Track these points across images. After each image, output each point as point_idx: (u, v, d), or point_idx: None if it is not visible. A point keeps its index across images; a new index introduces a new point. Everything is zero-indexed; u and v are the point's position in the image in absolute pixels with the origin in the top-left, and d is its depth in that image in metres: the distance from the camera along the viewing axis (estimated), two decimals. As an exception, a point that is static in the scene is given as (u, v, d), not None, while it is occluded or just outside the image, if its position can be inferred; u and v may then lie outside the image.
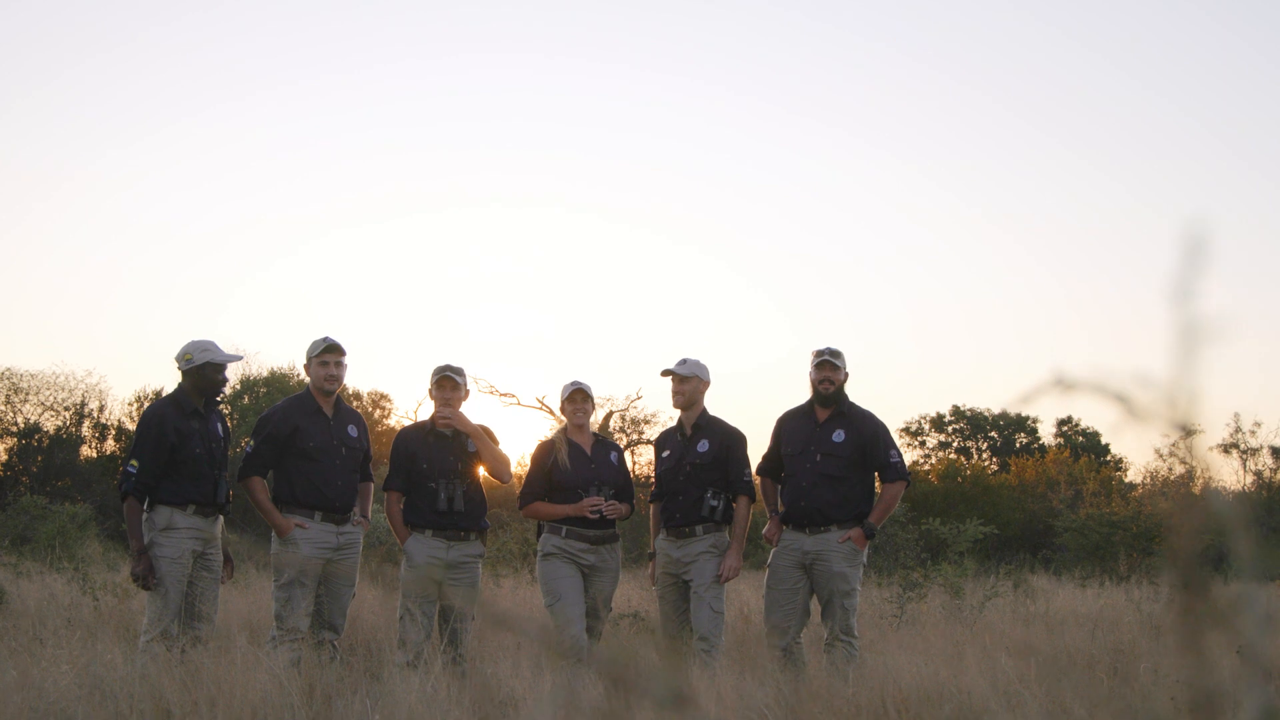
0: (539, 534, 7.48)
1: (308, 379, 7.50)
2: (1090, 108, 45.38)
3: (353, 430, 7.46)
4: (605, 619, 7.44)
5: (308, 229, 45.05)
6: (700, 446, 7.56)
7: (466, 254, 45.84)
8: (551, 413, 24.83)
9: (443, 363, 7.53)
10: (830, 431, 7.51)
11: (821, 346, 7.68)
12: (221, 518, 7.22)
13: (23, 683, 4.88)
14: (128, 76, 41.22)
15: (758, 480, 7.81)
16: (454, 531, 7.28)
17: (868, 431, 7.51)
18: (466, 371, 7.54)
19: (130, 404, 28.35)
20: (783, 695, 5.23)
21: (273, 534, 7.14)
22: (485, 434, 7.52)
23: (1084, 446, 36.59)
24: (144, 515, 6.92)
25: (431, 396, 7.54)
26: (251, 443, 7.30)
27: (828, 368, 7.55)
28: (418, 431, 7.57)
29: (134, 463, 6.97)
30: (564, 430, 7.58)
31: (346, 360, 7.44)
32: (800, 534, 7.41)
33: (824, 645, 7.33)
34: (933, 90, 45.27)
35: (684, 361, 7.65)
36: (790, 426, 7.70)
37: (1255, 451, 28.39)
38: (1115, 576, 16.58)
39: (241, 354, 7.50)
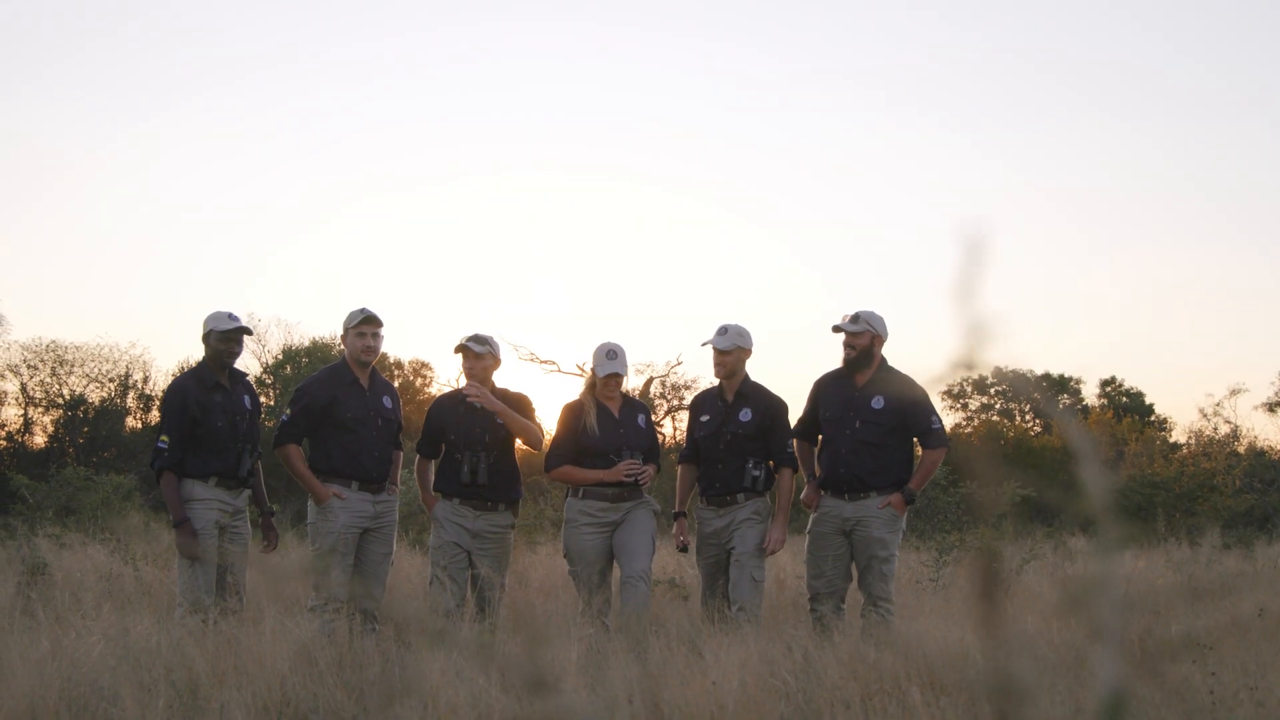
0: (567, 497, 7.46)
1: (345, 345, 7.45)
2: (1126, 69, 44.81)
3: (387, 401, 7.44)
4: (652, 554, 7.27)
5: (348, 196, 45.21)
6: (743, 415, 7.40)
7: (507, 221, 45.90)
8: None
9: (470, 333, 7.46)
10: (869, 397, 7.34)
11: (850, 313, 7.50)
12: (248, 491, 7.32)
13: (55, 652, 4.95)
14: (161, 48, 41.40)
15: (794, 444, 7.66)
16: (480, 501, 7.29)
17: (908, 397, 7.32)
18: (505, 338, 7.60)
19: (173, 375, 28.61)
20: (810, 661, 5.22)
21: (310, 503, 7.16)
22: (523, 403, 7.48)
23: (1128, 407, 36.30)
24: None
25: (462, 366, 7.48)
26: (288, 412, 7.28)
27: (846, 335, 7.41)
28: (449, 401, 7.55)
29: (164, 438, 7.04)
30: (592, 392, 7.43)
31: (384, 331, 7.41)
32: (840, 500, 7.28)
33: (860, 610, 7.25)
34: (967, 50, 44.79)
35: (725, 331, 7.46)
36: (828, 391, 7.50)
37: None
38: (1154, 537, 16.45)
39: (250, 325, 7.67)
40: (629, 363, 7.51)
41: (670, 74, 44.40)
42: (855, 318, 7.39)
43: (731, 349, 7.42)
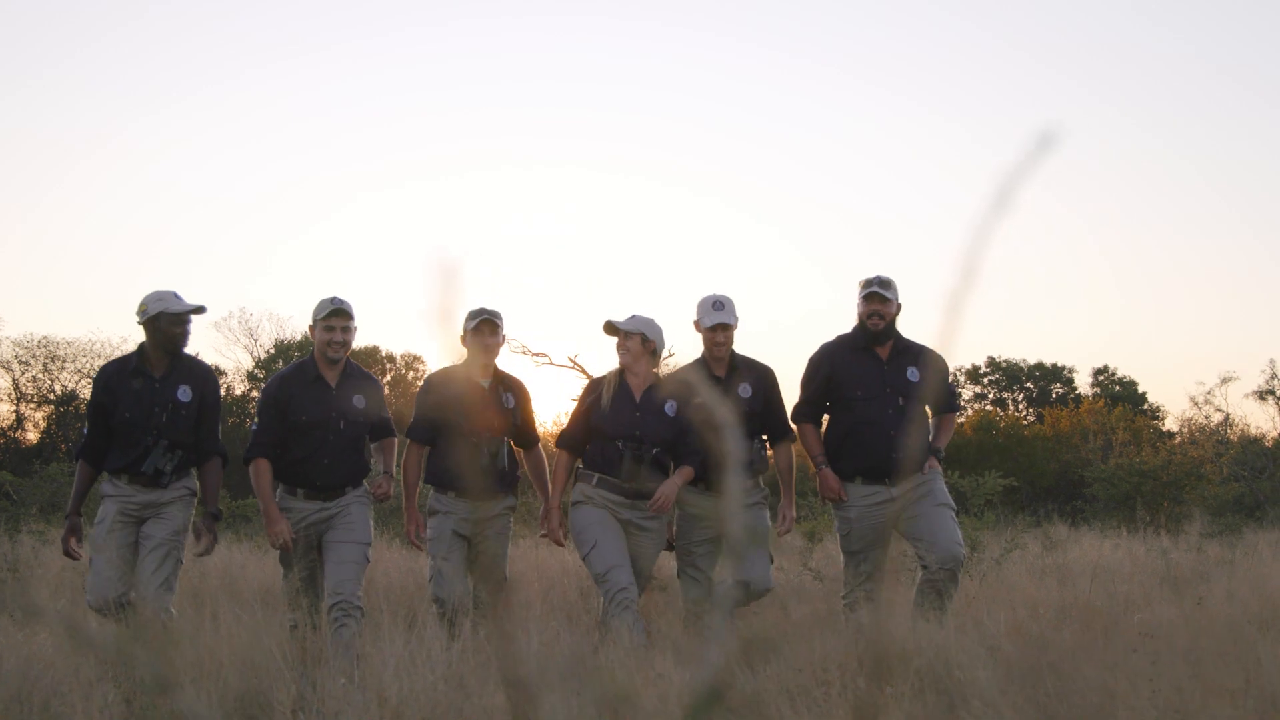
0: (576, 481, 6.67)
1: (313, 338, 6.72)
2: (1121, 58, 44.80)
3: (359, 400, 6.62)
4: (644, 589, 6.59)
5: (345, 191, 45.30)
6: (743, 391, 6.79)
7: (502, 213, 45.93)
8: (584, 371, 24.79)
9: (477, 306, 6.76)
10: (903, 369, 6.78)
11: (870, 275, 6.86)
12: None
13: (10, 648, 4.97)
14: (162, 44, 41.38)
15: (794, 428, 7.07)
16: (485, 493, 6.60)
17: (939, 365, 6.72)
18: (510, 334, 6.89)
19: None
20: (775, 653, 5.22)
21: None
22: (524, 395, 6.90)
23: (1119, 396, 36.30)
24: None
25: (464, 344, 6.77)
26: (257, 420, 6.64)
27: (876, 300, 6.75)
28: (444, 379, 6.91)
29: (87, 426, 6.65)
30: (620, 369, 6.69)
31: (355, 324, 6.63)
32: (879, 486, 6.71)
33: (921, 585, 6.57)
34: (962, 38, 44.79)
35: (722, 306, 6.78)
36: (851, 366, 6.82)
37: (1293, 398, 28.09)
38: (1135, 526, 16.44)
39: (204, 305, 6.71)
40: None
41: (657, 65, 44.42)
42: (886, 283, 6.80)
43: (734, 322, 6.82)
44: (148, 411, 6.46)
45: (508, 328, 6.77)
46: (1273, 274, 45.85)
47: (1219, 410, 27.75)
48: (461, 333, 6.77)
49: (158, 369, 6.59)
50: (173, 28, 42.42)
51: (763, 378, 6.91)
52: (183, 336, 6.61)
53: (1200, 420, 27.83)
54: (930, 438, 6.99)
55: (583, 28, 44.79)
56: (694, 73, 45.36)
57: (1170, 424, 32.66)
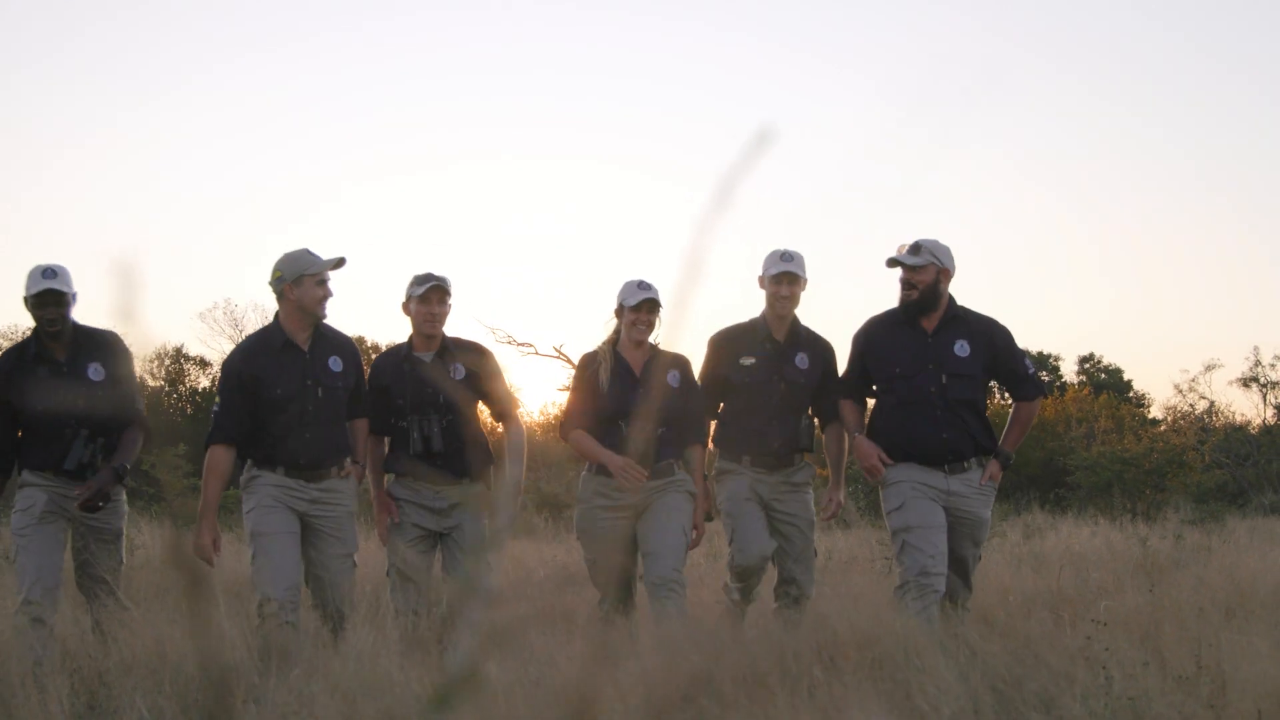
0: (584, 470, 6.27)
1: (292, 298, 5.91)
2: (1107, 45, 44.84)
3: (335, 364, 5.98)
4: (685, 550, 6.08)
5: (336, 185, 45.26)
6: (799, 361, 6.33)
7: (489, 207, 45.93)
8: (569, 361, 24.71)
9: (421, 272, 6.17)
10: (949, 343, 6.08)
11: (908, 242, 6.18)
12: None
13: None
14: (149, 35, 41.27)
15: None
16: (439, 475, 5.99)
17: (998, 341, 6.19)
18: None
19: (151, 360, 28.54)
20: (738, 640, 5.22)
21: (242, 490, 5.92)
22: (488, 362, 6.27)
23: (1105, 384, 36.32)
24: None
25: (406, 311, 6.22)
26: (217, 400, 5.94)
27: (904, 270, 6.11)
28: (392, 359, 6.27)
29: None
30: (611, 341, 6.25)
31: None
32: (935, 471, 6.00)
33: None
34: (944, 26, 44.80)
35: (791, 258, 6.28)
36: (891, 341, 6.19)
37: (1276, 385, 28.16)
38: (1113, 514, 16.46)
39: (56, 287, 5.86)
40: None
41: (658, 63, 44.42)
42: (916, 248, 6.10)
43: (802, 276, 6.32)
44: (60, 399, 5.84)
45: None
46: (1258, 261, 45.99)
47: (1204, 398, 27.80)
48: (405, 299, 6.22)
49: (60, 352, 6.00)
50: (161, 18, 42.31)
51: (823, 352, 6.45)
52: (49, 322, 5.93)
53: (1185, 408, 27.89)
54: (1002, 435, 6.27)
55: (583, 21, 44.74)
56: (695, 71, 45.33)
57: (1156, 411, 32.72)
